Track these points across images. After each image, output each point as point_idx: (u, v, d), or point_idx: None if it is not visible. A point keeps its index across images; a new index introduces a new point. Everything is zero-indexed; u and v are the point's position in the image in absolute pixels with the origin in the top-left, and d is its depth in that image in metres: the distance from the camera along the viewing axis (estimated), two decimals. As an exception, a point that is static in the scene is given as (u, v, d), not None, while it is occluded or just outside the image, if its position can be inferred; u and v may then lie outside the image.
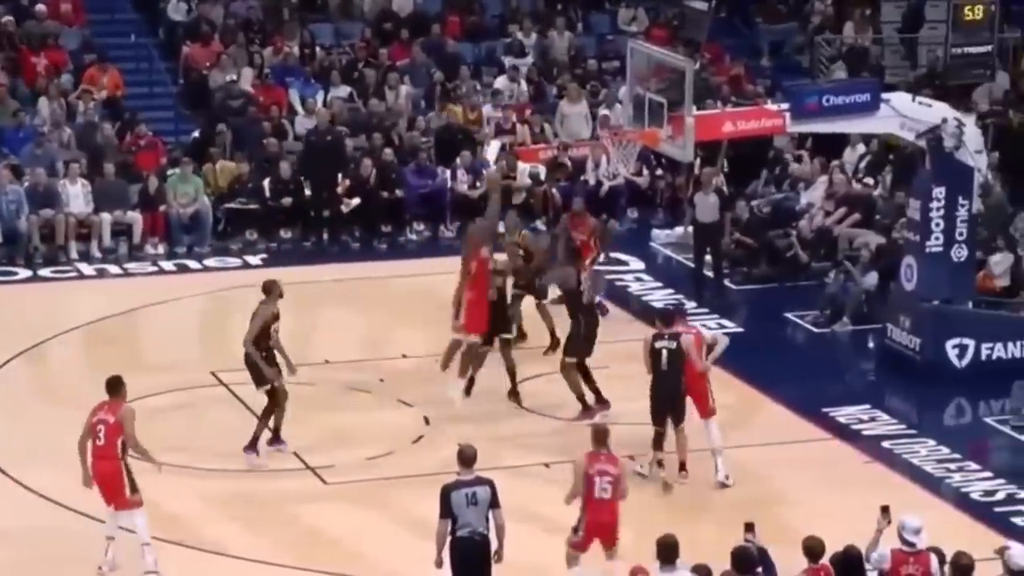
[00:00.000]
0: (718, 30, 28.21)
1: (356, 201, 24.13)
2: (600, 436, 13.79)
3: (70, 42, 26.78)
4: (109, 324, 20.35)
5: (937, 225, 18.96)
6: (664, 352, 15.86)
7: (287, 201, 24.02)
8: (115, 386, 14.03)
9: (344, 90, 26.65)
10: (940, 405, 18.70)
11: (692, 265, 22.33)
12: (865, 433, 17.49)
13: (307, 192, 24.18)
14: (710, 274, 22.09)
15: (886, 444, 17.25)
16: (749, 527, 12.27)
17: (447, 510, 12.62)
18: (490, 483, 12.78)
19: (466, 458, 12.83)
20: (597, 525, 13.73)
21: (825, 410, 18.01)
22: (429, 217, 24.73)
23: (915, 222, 19.27)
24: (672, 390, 15.91)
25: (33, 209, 23.13)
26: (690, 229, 22.99)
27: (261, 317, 16.15)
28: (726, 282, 22.39)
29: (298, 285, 20.57)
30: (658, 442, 16.02)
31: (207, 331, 20.22)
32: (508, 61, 27.89)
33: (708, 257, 22.05)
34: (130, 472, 13.90)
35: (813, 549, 12.02)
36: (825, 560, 12.06)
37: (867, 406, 18.15)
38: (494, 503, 12.78)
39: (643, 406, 16.52)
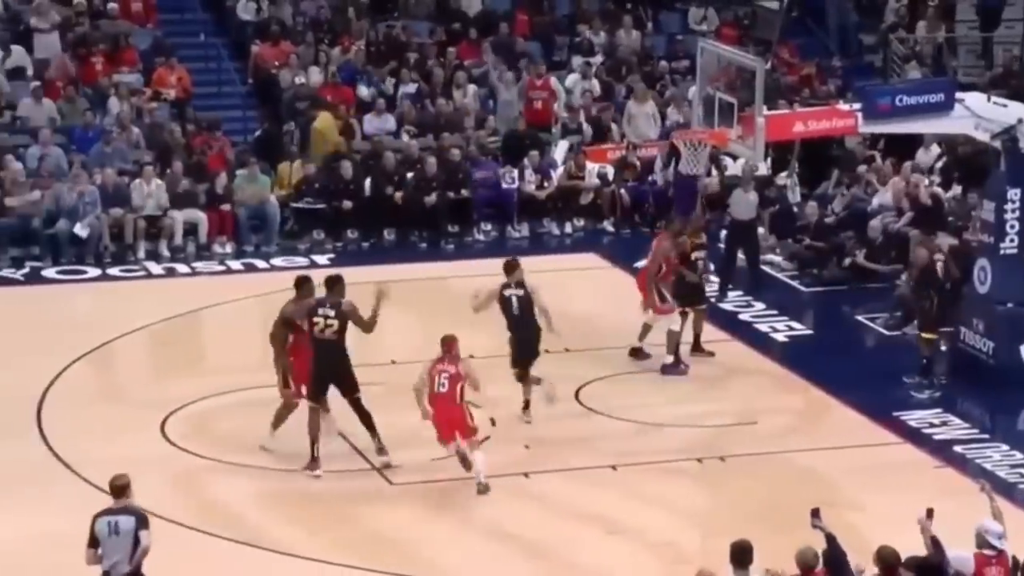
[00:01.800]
0: (790, 30, 28.00)
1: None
2: (446, 344, 15.84)
3: (141, 42, 26.94)
4: (176, 324, 20.41)
5: (1012, 227, 18.71)
6: (514, 299, 17.08)
7: (347, 204, 24.04)
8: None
9: (413, 89, 26.65)
10: (1013, 409, 18.44)
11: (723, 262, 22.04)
12: (936, 437, 17.31)
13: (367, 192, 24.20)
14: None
15: (958, 448, 17.03)
16: (815, 512, 12.14)
17: (93, 539, 12.11)
18: (137, 514, 12.16)
19: (114, 488, 12.24)
20: (446, 420, 15.62)
21: (896, 414, 17.83)
22: (496, 217, 24.69)
23: (989, 224, 19.01)
24: (528, 332, 17.15)
25: (104, 208, 23.27)
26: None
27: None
28: (796, 283, 22.30)
29: (364, 285, 20.56)
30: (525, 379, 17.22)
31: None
32: (579, 60, 27.80)
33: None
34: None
35: (887, 559, 11.85)
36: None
37: (939, 410, 17.96)
38: (140, 526, 12.10)
39: (710, 409, 16.44)
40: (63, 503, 15.05)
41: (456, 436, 15.70)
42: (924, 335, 18.80)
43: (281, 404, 16.33)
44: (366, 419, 16.09)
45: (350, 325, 15.98)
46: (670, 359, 18.86)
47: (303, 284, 16.34)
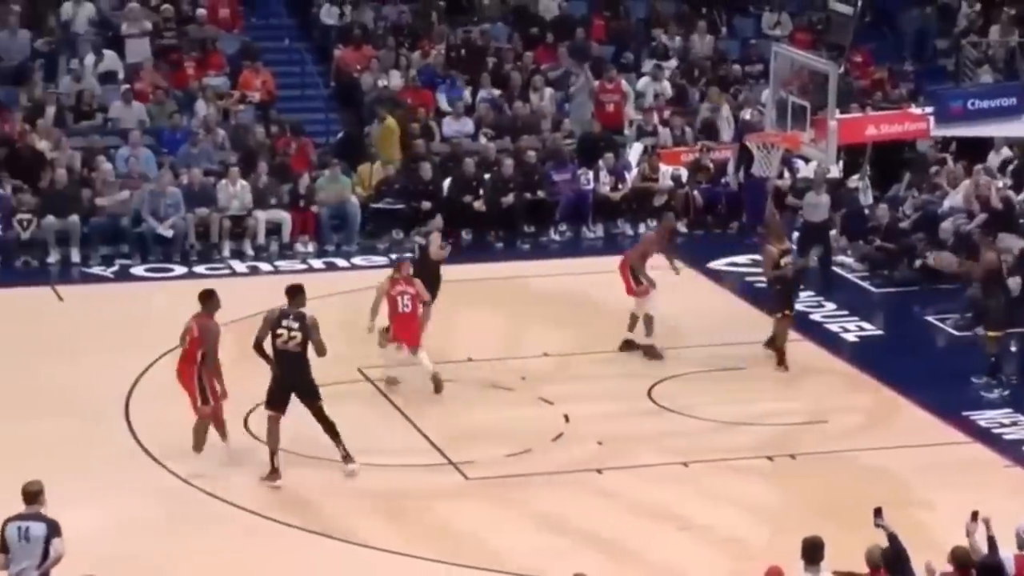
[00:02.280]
0: (862, 34, 28.05)
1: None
2: (399, 267, 17.86)
3: (228, 46, 27.38)
4: (258, 321, 20.74)
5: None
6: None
7: (426, 205, 24.35)
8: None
9: (491, 92, 26.97)
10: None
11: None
12: (1006, 437, 17.30)
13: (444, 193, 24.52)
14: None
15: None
16: (878, 512, 12.30)
17: (3, 544, 11.87)
18: (49, 522, 11.92)
19: (26, 493, 12.00)
20: (403, 333, 17.77)
21: (965, 413, 17.84)
22: (573, 218, 24.96)
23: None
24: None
25: (189, 207, 23.76)
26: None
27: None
28: (867, 284, 22.45)
29: (442, 283, 20.88)
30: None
31: (354, 328, 20.56)
32: (651, 64, 28.02)
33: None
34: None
35: (961, 559, 11.97)
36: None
37: (1009, 410, 17.96)
38: (52, 534, 11.89)
39: (780, 408, 16.57)
40: (146, 492, 15.44)
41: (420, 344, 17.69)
42: (990, 334, 18.87)
43: (196, 420, 16.06)
44: (329, 428, 15.81)
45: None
46: (649, 341, 19.04)
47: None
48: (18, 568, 11.86)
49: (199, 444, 16.17)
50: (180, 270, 23.23)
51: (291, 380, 15.64)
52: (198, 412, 16.04)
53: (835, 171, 24.44)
